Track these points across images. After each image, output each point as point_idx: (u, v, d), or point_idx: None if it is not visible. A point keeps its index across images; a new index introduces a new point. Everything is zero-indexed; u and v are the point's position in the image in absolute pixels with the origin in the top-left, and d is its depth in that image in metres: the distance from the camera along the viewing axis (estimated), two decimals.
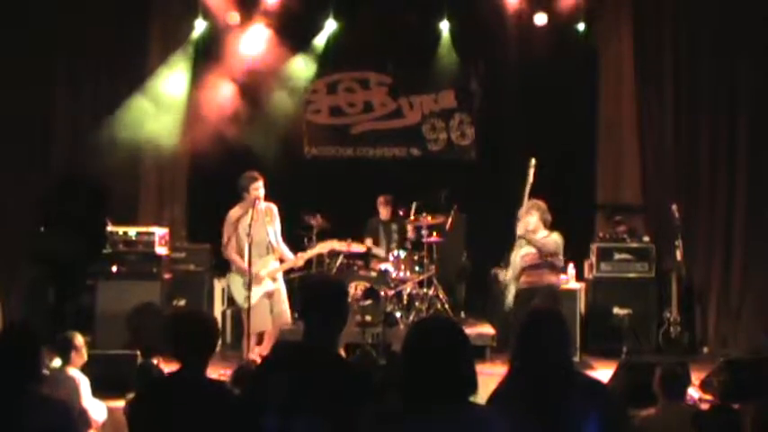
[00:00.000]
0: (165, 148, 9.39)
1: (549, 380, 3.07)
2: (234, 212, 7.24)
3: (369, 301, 8.32)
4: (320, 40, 10.18)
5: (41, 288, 9.47)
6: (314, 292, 3.53)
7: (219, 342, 8.86)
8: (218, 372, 7.25)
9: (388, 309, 8.59)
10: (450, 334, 2.82)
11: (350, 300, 7.80)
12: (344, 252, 8.59)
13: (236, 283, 7.27)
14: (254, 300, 7.07)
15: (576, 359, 7.92)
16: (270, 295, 7.23)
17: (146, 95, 9.31)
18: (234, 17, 9.66)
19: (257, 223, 7.09)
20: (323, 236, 9.25)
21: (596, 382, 3.38)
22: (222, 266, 9.11)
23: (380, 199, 9.69)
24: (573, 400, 3.05)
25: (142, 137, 9.33)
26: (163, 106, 9.36)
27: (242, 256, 7.12)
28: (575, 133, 10.17)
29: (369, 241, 9.58)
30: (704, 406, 5.78)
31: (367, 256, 9.50)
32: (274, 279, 7.30)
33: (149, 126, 9.35)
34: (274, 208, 7.39)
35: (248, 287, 6.97)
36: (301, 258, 7.56)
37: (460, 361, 2.78)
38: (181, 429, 3.47)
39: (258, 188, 7.16)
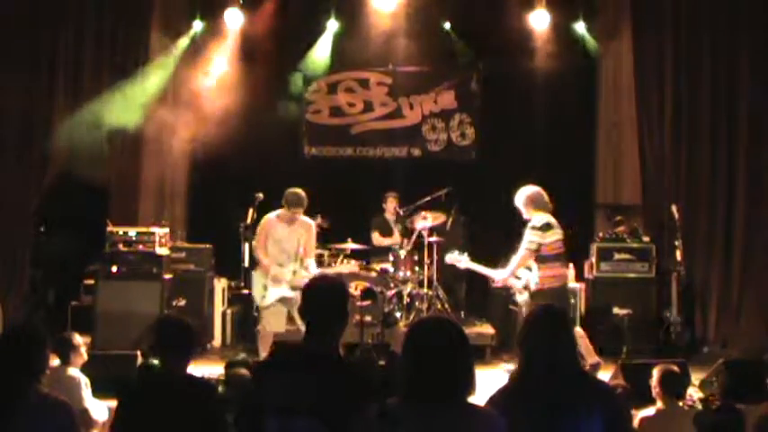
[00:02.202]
0: (165, 146, 9.39)
1: (553, 380, 3.06)
2: (269, 220, 7.40)
3: (368, 302, 8.33)
4: (325, 40, 10.19)
5: (41, 288, 9.48)
6: (315, 292, 3.53)
7: (219, 342, 9.00)
8: (218, 372, 7.28)
9: (388, 309, 8.59)
10: (449, 334, 2.82)
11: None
12: (360, 272, 8.60)
13: (257, 281, 7.49)
14: (269, 300, 7.32)
15: None
16: (285, 301, 7.30)
17: (146, 95, 9.30)
18: (233, 16, 9.66)
19: (289, 233, 7.32)
20: (323, 236, 9.26)
21: (601, 383, 3.38)
22: (222, 266, 9.14)
23: (388, 196, 9.67)
24: (577, 401, 3.04)
25: (142, 136, 9.34)
26: (163, 106, 9.35)
27: (269, 259, 7.34)
28: (575, 133, 10.17)
29: (376, 235, 9.57)
30: (702, 406, 5.78)
31: (368, 256, 9.49)
32: (295, 288, 7.31)
33: (149, 125, 9.36)
34: (312, 225, 7.56)
35: (257, 294, 7.25)
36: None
37: (460, 361, 2.78)
38: (162, 426, 3.50)
39: (302, 211, 7.35)
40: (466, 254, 7.37)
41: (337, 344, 3.46)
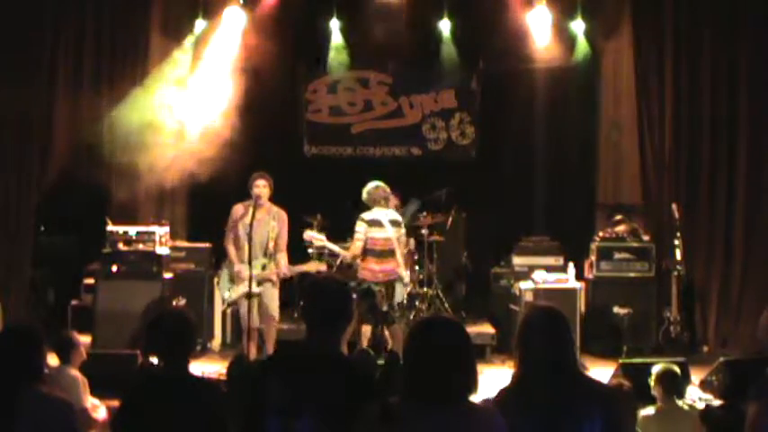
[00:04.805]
0: (165, 146, 9.37)
1: (552, 381, 3.06)
2: (237, 208, 7.48)
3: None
4: (336, 37, 10.18)
5: (41, 288, 9.48)
6: (316, 291, 3.52)
7: (219, 341, 9.00)
8: (218, 371, 7.29)
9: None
10: (452, 333, 2.82)
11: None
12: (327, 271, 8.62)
13: (222, 276, 7.60)
14: (234, 296, 7.39)
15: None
16: (251, 296, 7.22)
17: (146, 95, 9.30)
18: (234, 15, 9.65)
19: (257, 223, 7.17)
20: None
21: (601, 385, 3.36)
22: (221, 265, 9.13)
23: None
24: (577, 403, 3.04)
25: (142, 135, 9.32)
26: (163, 106, 9.35)
27: (239, 254, 7.35)
28: (575, 133, 10.17)
29: None
30: (702, 405, 5.78)
31: None
32: (262, 282, 7.32)
33: (150, 125, 9.34)
34: (284, 214, 7.52)
35: (248, 283, 7.11)
36: (290, 271, 7.58)
37: (462, 360, 2.78)
38: (165, 426, 3.49)
39: (259, 186, 7.30)
40: (324, 234, 8.07)
41: (339, 344, 3.45)
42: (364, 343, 7.53)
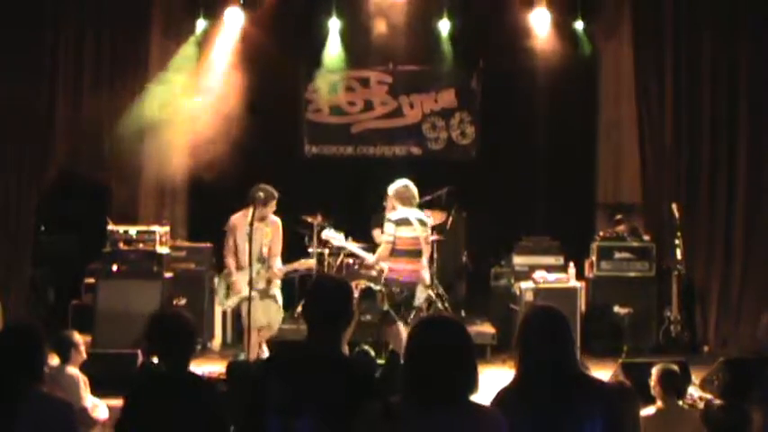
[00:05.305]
0: (165, 145, 9.38)
1: (552, 381, 3.06)
2: (233, 218, 7.54)
3: (366, 301, 8.31)
4: (334, 37, 10.18)
5: (41, 288, 9.48)
6: (317, 291, 3.52)
7: (219, 341, 8.99)
8: (218, 371, 7.29)
9: (387, 307, 8.58)
10: (452, 332, 2.82)
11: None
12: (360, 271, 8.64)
13: (219, 286, 7.76)
14: (231, 303, 7.57)
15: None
16: (248, 300, 7.22)
17: (147, 95, 9.29)
18: (234, 14, 9.65)
19: (255, 231, 7.24)
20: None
21: (602, 384, 3.36)
22: (222, 265, 9.14)
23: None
24: (577, 402, 3.04)
25: (143, 135, 9.33)
26: (163, 106, 9.34)
27: (237, 260, 7.47)
28: (575, 132, 10.17)
29: (378, 232, 9.56)
30: (702, 405, 5.79)
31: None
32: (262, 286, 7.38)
33: (150, 125, 9.34)
34: (278, 222, 7.57)
35: (249, 284, 7.14)
36: (281, 272, 7.60)
37: (463, 359, 2.78)
38: (166, 425, 3.50)
39: (267, 209, 7.40)
40: (342, 233, 7.91)
41: (340, 344, 3.44)
42: (400, 345, 7.40)
